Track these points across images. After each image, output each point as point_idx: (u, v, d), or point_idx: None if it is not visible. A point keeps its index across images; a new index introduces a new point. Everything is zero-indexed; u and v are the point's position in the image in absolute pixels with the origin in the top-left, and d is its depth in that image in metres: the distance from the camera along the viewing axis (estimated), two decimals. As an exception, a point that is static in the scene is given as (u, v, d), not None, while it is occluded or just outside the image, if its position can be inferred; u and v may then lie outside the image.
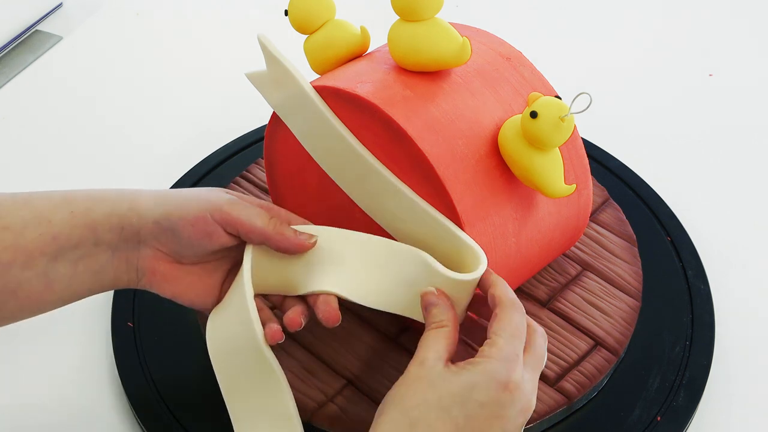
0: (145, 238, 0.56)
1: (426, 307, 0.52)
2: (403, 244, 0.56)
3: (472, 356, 0.49)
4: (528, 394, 0.49)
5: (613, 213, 0.73)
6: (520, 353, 0.50)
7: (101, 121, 0.91)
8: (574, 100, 0.51)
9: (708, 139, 0.87)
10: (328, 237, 0.57)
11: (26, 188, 0.81)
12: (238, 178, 0.77)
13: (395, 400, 0.49)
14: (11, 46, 0.97)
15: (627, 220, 0.72)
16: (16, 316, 0.55)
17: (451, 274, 0.52)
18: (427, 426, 0.47)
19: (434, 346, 0.50)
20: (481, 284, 0.53)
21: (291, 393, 0.55)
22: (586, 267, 0.68)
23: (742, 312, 0.70)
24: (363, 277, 0.56)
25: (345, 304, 0.61)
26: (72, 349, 0.68)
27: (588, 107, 0.50)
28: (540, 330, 0.52)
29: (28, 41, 0.99)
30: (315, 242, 0.56)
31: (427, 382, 0.48)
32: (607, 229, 0.71)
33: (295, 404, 0.55)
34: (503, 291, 0.52)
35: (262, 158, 0.75)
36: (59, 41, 1.00)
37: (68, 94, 0.94)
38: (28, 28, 0.99)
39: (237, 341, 0.56)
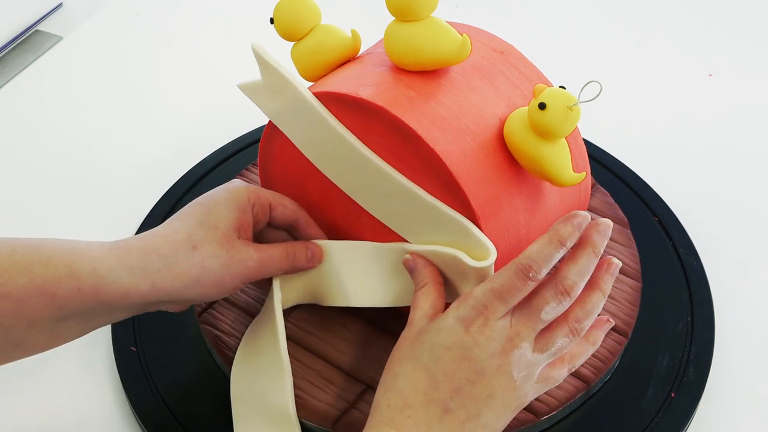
0: (173, 305, 0.57)
1: (409, 273, 0.57)
2: (412, 244, 0.57)
3: None
4: (496, 341, 0.50)
5: (602, 198, 0.74)
6: (492, 304, 0.51)
7: (101, 121, 0.89)
8: (582, 89, 0.52)
9: (707, 139, 0.87)
10: (344, 249, 0.60)
11: (26, 188, 0.81)
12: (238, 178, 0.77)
13: (386, 365, 0.53)
14: (11, 46, 0.96)
15: (616, 204, 0.74)
16: (20, 358, 0.54)
17: (462, 256, 0.54)
18: (406, 377, 0.51)
19: (418, 305, 0.54)
20: None
21: (293, 395, 0.58)
22: (583, 253, 0.69)
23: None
24: (381, 283, 0.59)
25: (355, 311, 0.62)
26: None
27: (597, 96, 0.51)
28: (550, 291, 0.52)
29: (28, 41, 0.98)
30: (321, 251, 0.61)
31: (410, 339, 0.52)
32: (598, 214, 0.72)
33: (295, 406, 0.58)
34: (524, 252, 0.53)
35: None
36: (59, 41, 0.99)
37: (68, 94, 0.93)
38: (28, 28, 0.98)
39: (260, 340, 0.59)
